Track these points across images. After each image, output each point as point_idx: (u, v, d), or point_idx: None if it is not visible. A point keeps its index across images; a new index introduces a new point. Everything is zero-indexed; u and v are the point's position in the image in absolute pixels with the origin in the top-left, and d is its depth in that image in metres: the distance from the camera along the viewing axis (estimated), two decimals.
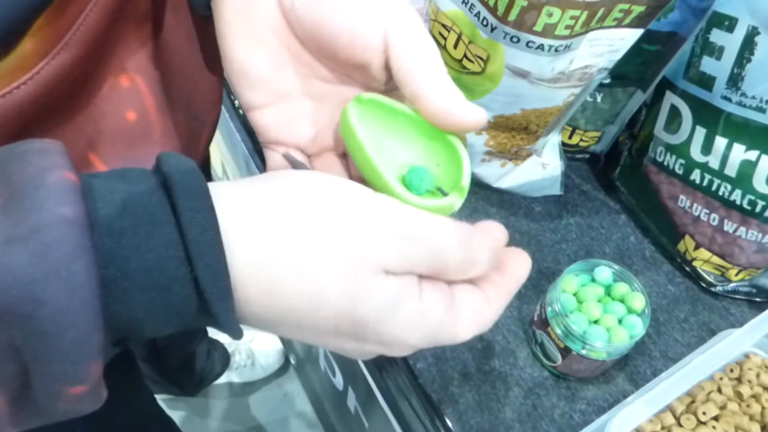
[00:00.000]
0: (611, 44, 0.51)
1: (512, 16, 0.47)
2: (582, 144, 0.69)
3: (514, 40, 0.49)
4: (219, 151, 1.06)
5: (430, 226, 0.26)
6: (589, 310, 0.51)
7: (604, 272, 0.53)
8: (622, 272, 0.53)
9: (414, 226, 0.26)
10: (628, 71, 0.59)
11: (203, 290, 0.23)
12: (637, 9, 0.48)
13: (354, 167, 0.34)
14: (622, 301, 0.52)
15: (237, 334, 0.25)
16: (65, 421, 0.24)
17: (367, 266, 0.25)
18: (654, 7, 0.48)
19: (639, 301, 0.51)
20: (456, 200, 0.29)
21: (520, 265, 0.31)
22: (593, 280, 0.54)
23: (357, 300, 0.25)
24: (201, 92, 0.43)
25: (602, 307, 0.51)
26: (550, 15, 0.46)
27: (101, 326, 0.22)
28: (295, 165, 0.32)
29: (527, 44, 0.49)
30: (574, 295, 0.53)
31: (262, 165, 0.74)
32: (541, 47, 0.49)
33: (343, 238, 0.25)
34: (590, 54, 0.52)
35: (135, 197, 0.23)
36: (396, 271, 0.26)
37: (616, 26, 0.50)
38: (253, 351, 1.37)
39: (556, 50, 0.49)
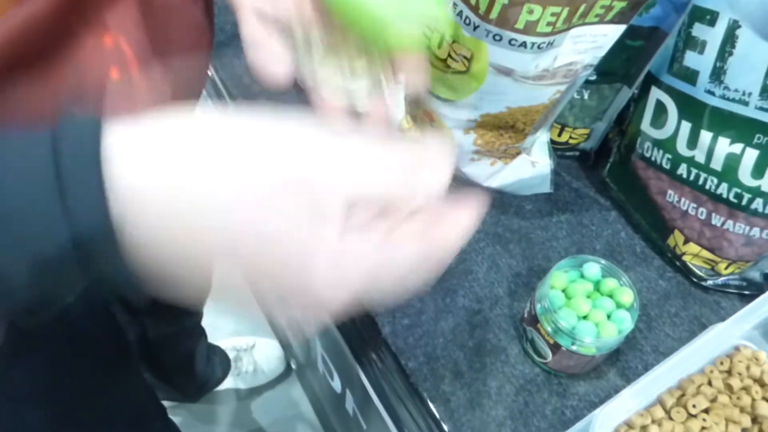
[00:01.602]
0: (594, 40, 0.51)
1: (494, 14, 0.48)
2: (571, 141, 0.69)
3: (497, 38, 0.49)
4: None
5: (371, 152, 0.25)
6: (577, 305, 0.51)
7: (593, 268, 0.53)
8: (611, 267, 0.53)
9: (355, 153, 0.24)
10: (614, 67, 0.60)
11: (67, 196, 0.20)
12: (619, 5, 0.48)
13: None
14: (610, 296, 0.52)
15: (129, 282, 0.22)
16: (62, 415, 0.24)
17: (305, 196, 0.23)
18: (635, 3, 0.48)
19: (627, 295, 0.51)
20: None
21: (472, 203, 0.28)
22: (582, 276, 0.54)
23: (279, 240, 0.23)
24: (192, 61, 0.44)
25: (591, 303, 0.51)
26: (531, 12, 0.46)
27: None
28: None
29: (510, 42, 0.49)
30: (563, 291, 0.53)
31: None
32: (523, 45, 0.49)
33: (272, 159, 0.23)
34: (574, 51, 0.52)
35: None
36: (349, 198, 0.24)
37: (599, 22, 0.50)
38: (255, 357, 1.37)
39: (538, 47, 0.49)
